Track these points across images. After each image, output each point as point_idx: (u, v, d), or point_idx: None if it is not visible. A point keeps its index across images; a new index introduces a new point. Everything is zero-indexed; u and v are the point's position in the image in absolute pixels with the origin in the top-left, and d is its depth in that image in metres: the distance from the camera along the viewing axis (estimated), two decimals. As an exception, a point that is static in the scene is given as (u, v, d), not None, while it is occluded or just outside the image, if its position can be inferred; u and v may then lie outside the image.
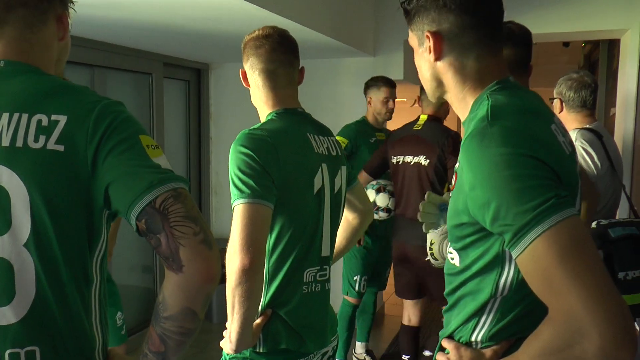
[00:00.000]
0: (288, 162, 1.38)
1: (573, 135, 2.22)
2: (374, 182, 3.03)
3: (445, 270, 1.01)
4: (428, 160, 2.79)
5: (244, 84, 1.55)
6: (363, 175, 3.01)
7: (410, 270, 2.89)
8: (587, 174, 2.13)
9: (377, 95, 3.24)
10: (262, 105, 1.52)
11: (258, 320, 1.41)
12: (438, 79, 1.01)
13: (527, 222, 0.76)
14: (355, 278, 3.24)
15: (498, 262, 0.89)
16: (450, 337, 1.00)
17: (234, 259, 1.26)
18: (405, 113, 4.61)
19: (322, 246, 1.50)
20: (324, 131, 1.58)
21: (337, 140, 1.62)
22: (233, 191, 1.32)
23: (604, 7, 3.47)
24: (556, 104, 2.37)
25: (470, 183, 0.84)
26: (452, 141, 2.79)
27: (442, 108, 2.94)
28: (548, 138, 0.88)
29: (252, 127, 1.42)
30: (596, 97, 2.34)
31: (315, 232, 1.48)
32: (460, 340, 0.97)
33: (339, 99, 4.01)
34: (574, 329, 0.71)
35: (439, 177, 2.79)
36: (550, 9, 3.56)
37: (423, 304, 3.05)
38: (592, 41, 5.89)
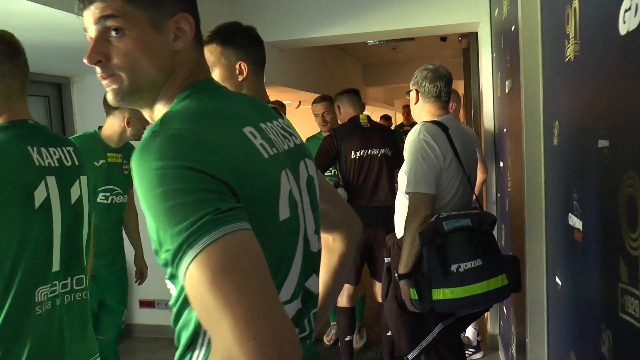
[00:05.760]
0: (2, 179, 1.35)
1: (418, 128, 2.23)
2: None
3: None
4: (391, 152, 3.22)
5: None
6: None
7: (363, 254, 3.20)
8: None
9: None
10: None
11: None
12: (169, 72, 0.87)
13: (180, 245, 0.67)
14: None
15: None
16: None
17: None
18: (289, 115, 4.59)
19: (53, 261, 1.46)
20: (58, 142, 1.55)
21: (75, 150, 1.61)
22: None
23: (457, 2, 3.61)
24: (412, 95, 2.38)
25: (140, 203, 0.74)
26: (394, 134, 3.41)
27: (362, 109, 3.38)
28: (228, 144, 0.78)
29: None
30: (451, 90, 2.36)
31: (42, 247, 1.43)
32: None
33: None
34: None
35: (399, 165, 3.19)
36: (403, 5, 3.67)
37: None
38: (466, 35, 6.17)
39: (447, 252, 1.97)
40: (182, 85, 0.88)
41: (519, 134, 1.95)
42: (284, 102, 4.85)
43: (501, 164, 3.09)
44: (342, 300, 3.22)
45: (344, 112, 3.37)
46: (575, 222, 1.24)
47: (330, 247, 1.18)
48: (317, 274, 0.98)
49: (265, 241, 0.74)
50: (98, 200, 2.50)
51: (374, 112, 11.50)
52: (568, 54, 1.29)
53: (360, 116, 3.29)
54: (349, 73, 8.19)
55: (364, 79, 9.62)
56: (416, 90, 2.36)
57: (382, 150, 3.18)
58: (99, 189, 2.50)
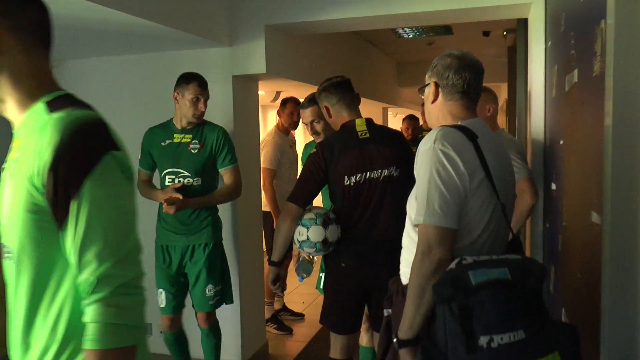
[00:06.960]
0: None
1: (433, 134, 1.54)
2: (311, 215, 2.32)
3: None
4: (400, 171, 2.34)
5: None
6: (292, 209, 2.32)
7: (359, 299, 2.44)
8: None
9: (184, 93, 2.77)
10: None
11: None
12: None
13: None
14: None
15: None
16: None
17: None
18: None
19: None
20: None
21: None
22: None
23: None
24: (429, 90, 1.70)
25: None
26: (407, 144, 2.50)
27: (357, 106, 2.47)
28: None
29: None
30: (481, 85, 1.69)
31: None
32: None
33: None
34: None
35: (410, 185, 2.29)
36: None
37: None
38: (512, 29, 5.46)
39: (474, 318, 1.34)
40: None
41: (594, 149, 1.31)
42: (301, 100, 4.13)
43: (553, 186, 2.40)
44: (335, 351, 2.50)
45: (336, 115, 2.47)
46: None
47: None
48: None
49: None
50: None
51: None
52: None
53: (357, 122, 2.38)
54: (380, 70, 7.53)
55: (398, 79, 8.94)
56: (435, 83, 1.68)
57: (386, 171, 2.30)
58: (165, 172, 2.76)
